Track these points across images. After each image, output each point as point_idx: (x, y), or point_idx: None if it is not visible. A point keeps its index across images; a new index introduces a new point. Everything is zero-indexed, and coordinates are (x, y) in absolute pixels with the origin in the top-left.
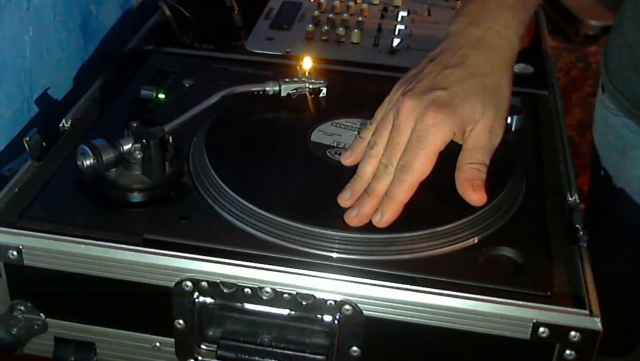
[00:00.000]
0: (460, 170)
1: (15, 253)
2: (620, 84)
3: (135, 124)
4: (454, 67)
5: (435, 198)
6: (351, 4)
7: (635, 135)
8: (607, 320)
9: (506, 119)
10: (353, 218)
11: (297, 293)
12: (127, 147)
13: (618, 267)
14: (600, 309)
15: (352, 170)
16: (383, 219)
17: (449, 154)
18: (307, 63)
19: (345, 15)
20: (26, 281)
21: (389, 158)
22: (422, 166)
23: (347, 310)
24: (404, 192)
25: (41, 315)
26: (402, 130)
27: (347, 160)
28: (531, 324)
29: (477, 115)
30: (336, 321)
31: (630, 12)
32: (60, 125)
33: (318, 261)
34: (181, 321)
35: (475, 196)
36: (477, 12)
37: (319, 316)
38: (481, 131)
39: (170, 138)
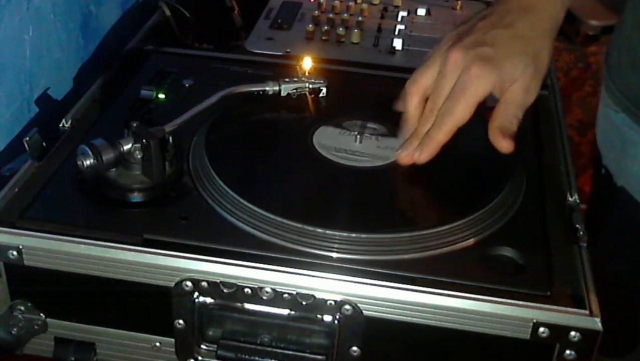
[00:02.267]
0: (494, 119)
1: (15, 253)
2: (620, 83)
3: (135, 124)
4: (502, 29)
5: (435, 198)
6: (351, 4)
7: (634, 132)
8: (607, 320)
9: (542, 84)
10: (401, 157)
11: (297, 293)
12: (127, 147)
13: (618, 267)
14: (600, 309)
15: (353, 170)
16: (421, 157)
17: (449, 155)
18: (307, 63)
19: (345, 15)
20: (26, 281)
21: (433, 103)
22: (462, 112)
23: (347, 310)
24: (443, 134)
25: (41, 315)
26: (448, 78)
27: (400, 106)
28: (531, 324)
29: (517, 73)
30: (336, 321)
31: (630, 12)
32: (60, 125)
33: (318, 261)
34: (181, 321)
35: (505, 144)
36: None
37: (319, 316)
38: (519, 87)
39: (170, 138)
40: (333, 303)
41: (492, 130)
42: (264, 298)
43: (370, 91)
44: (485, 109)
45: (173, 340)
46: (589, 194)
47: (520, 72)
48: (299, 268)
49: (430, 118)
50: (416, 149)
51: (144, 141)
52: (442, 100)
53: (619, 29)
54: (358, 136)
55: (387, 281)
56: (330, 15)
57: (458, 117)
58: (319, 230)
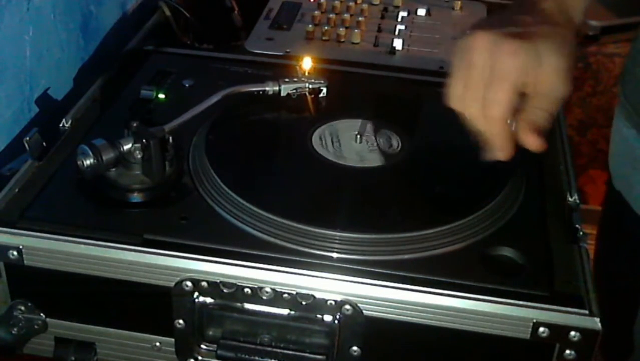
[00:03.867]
0: (525, 112)
1: (15, 253)
2: (632, 96)
3: (135, 124)
4: (523, 15)
5: (435, 198)
6: (351, 4)
7: None
8: (608, 322)
9: (572, 77)
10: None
11: (297, 293)
12: (127, 147)
13: (623, 272)
14: (601, 310)
15: (353, 170)
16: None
17: (449, 155)
18: (307, 63)
19: (345, 15)
20: (26, 281)
21: (472, 100)
22: (506, 98)
23: (347, 310)
24: (496, 127)
25: (41, 315)
26: (476, 64)
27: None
28: (531, 324)
29: (552, 57)
30: (336, 321)
31: None
32: (60, 125)
33: (318, 261)
34: (181, 321)
35: (535, 140)
36: None
37: (319, 316)
38: (554, 77)
39: (170, 138)
40: (333, 303)
41: (520, 125)
42: (264, 298)
43: (370, 91)
44: None
45: (173, 340)
46: (602, 208)
47: (554, 56)
48: (299, 268)
49: (475, 117)
50: (501, 147)
51: (144, 141)
52: (480, 93)
53: (634, 43)
54: (358, 136)
55: (387, 281)
56: (330, 15)
57: (504, 104)
58: (319, 230)
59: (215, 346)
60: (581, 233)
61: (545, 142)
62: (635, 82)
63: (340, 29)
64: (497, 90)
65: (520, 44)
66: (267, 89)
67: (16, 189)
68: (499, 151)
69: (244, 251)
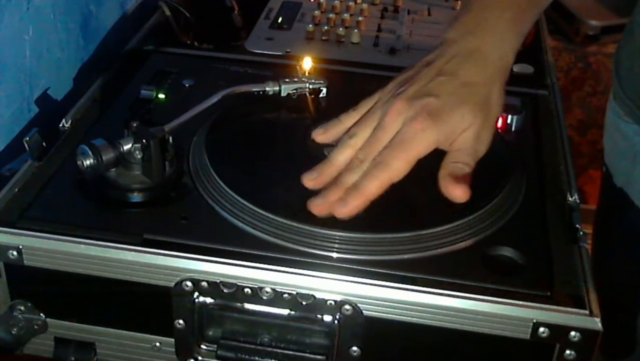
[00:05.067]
0: (443, 168)
1: (15, 253)
2: (631, 91)
3: (135, 124)
4: (447, 76)
5: (435, 198)
6: (351, 4)
7: None
8: (606, 320)
9: (494, 131)
10: (318, 206)
11: (297, 293)
12: (127, 147)
13: (624, 273)
14: (600, 309)
15: None
16: (345, 210)
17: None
18: (307, 63)
19: (345, 15)
20: (26, 281)
21: (366, 154)
22: (399, 166)
23: (347, 310)
24: (375, 187)
25: (41, 315)
26: (387, 129)
27: (319, 136)
28: (531, 324)
29: (464, 125)
30: (336, 321)
31: (639, 15)
32: (60, 125)
33: (318, 261)
34: (181, 321)
35: (458, 191)
36: (474, 22)
37: (319, 316)
38: (468, 136)
39: (170, 138)
40: (333, 303)
41: (441, 179)
42: (264, 298)
43: (370, 91)
44: None
45: (173, 340)
46: (598, 202)
47: (469, 123)
48: (299, 268)
49: (357, 169)
50: (339, 200)
51: (144, 141)
52: (376, 151)
53: (627, 36)
54: None
55: (387, 281)
56: (330, 15)
57: (394, 171)
58: (319, 230)
59: (215, 346)
60: (581, 233)
61: (469, 191)
62: (635, 77)
63: (340, 29)
64: (397, 156)
65: (435, 122)
66: (267, 89)
67: (16, 189)
68: (320, 202)
69: (244, 251)
